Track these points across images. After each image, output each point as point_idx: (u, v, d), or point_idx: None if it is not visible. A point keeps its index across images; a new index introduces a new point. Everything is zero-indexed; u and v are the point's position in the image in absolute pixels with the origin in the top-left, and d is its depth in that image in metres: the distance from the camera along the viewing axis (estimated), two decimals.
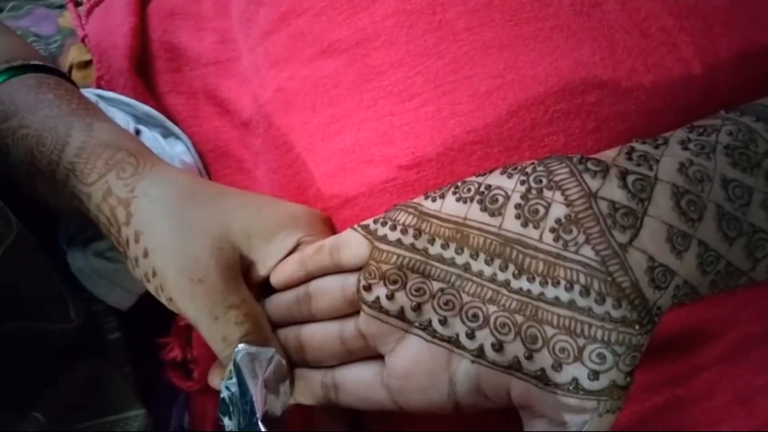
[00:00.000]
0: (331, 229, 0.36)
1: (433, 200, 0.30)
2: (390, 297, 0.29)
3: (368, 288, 0.30)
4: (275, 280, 0.34)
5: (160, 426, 0.41)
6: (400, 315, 0.29)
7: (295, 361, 0.33)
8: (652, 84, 0.31)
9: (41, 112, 0.35)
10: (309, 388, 0.32)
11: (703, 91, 0.31)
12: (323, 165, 0.35)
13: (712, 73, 0.31)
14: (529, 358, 0.27)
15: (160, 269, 0.32)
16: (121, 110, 0.42)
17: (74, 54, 0.45)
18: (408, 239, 0.30)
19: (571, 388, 0.26)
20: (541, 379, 0.26)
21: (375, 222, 0.31)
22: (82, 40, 0.46)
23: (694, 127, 0.29)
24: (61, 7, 0.49)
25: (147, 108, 0.42)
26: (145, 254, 0.32)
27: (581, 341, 0.26)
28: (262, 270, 0.34)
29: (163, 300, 0.33)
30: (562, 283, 0.26)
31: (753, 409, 0.31)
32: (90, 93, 0.41)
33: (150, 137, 0.41)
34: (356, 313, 0.31)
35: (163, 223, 0.32)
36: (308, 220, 0.35)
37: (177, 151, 0.41)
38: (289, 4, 0.37)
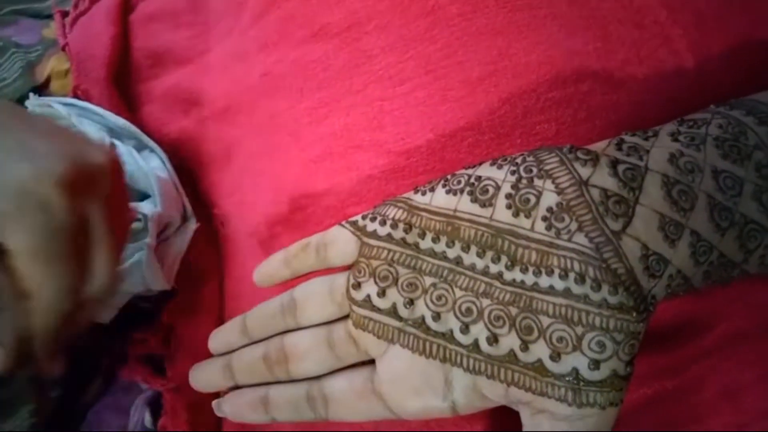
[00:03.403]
0: None
1: (423, 194, 0.30)
2: (381, 294, 0.29)
3: (358, 286, 0.29)
4: (258, 278, 0.33)
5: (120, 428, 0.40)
6: (393, 312, 0.28)
7: (278, 376, 0.31)
8: (644, 75, 0.31)
9: None
10: (292, 405, 0.31)
11: (695, 84, 0.31)
12: (309, 149, 0.34)
13: (704, 66, 0.31)
14: (525, 349, 0.26)
15: None
16: (94, 121, 0.41)
17: (54, 63, 0.44)
18: (398, 234, 0.29)
19: (570, 379, 0.25)
20: (539, 370, 0.26)
21: (364, 218, 0.30)
22: (63, 49, 0.45)
23: (684, 120, 0.29)
24: (50, 17, 0.49)
25: (122, 120, 0.41)
26: None
27: (579, 329, 0.25)
28: None
29: None
30: (556, 271, 0.26)
31: (740, 403, 0.30)
32: (62, 103, 0.40)
33: (125, 152, 0.40)
34: (345, 318, 0.30)
35: None
36: None
37: (152, 165, 0.40)
38: None
